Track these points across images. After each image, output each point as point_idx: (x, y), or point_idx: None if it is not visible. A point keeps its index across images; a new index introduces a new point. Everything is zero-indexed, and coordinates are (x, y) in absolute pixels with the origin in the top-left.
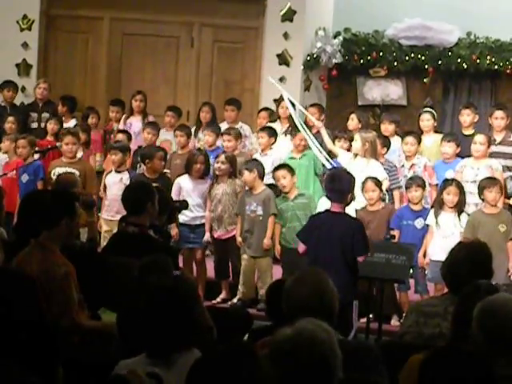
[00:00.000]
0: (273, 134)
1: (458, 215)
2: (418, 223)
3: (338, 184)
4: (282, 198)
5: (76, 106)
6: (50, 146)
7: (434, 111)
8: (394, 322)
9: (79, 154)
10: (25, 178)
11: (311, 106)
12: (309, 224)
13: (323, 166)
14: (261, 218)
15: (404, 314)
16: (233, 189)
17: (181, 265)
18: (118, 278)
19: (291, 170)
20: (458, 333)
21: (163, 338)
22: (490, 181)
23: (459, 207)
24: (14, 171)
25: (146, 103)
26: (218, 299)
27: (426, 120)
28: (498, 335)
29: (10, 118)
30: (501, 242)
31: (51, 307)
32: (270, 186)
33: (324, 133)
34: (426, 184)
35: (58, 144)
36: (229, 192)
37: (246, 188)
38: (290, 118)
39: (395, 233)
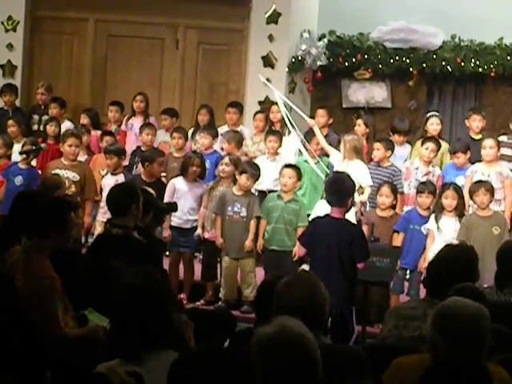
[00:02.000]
0: (281, 138)
1: (459, 220)
2: (424, 229)
3: (340, 186)
4: (277, 197)
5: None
6: (33, 148)
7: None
8: (378, 324)
9: (83, 158)
10: (19, 180)
11: (320, 107)
12: (309, 228)
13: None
14: (244, 219)
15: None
16: None
17: (166, 267)
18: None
19: (299, 175)
20: None
21: (134, 338)
22: (476, 185)
23: (459, 211)
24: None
25: (148, 104)
26: (202, 301)
27: (436, 124)
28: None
29: (10, 122)
30: (494, 244)
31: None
32: (270, 191)
33: (317, 131)
34: None
35: (43, 145)
36: None
37: (226, 187)
38: (282, 120)
39: (399, 235)
